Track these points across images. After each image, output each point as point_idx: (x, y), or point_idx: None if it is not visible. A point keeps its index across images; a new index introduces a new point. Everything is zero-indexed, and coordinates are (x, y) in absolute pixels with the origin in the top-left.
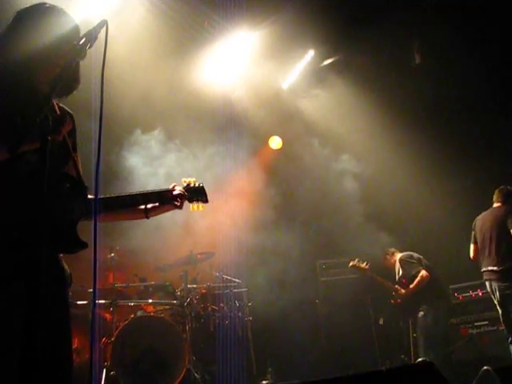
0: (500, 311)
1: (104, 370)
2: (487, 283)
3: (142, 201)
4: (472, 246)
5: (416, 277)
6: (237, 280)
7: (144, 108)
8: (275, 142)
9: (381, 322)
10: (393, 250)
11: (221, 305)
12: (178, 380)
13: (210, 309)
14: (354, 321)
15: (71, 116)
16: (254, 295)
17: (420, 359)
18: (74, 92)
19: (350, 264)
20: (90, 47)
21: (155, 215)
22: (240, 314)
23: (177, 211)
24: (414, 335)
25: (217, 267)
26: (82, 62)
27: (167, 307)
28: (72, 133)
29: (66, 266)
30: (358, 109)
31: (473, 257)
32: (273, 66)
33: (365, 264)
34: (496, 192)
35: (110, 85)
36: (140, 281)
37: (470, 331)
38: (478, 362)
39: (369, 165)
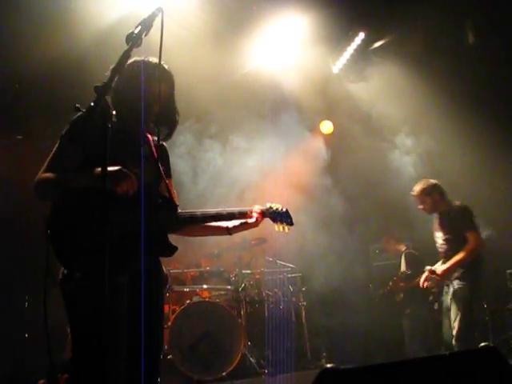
0: None
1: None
2: None
3: (226, 218)
4: None
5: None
6: (290, 265)
7: (194, 96)
8: (326, 127)
9: (435, 306)
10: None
11: (275, 290)
12: (234, 364)
13: (264, 294)
14: (408, 305)
15: (165, 147)
16: (308, 280)
17: (483, 344)
18: None
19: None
20: (146, 35)
21: (237, 232)
22: (294, 299)
23: None
24: None
25: (270, 253)
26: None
27: (222, 292)
28: (165, 161)
29: (163, 269)
30: (409, 91)
31: None
32: (322, 49)
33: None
34: None
35: None
36: (194, 267)
37: None
38: None
39: (423, 147)
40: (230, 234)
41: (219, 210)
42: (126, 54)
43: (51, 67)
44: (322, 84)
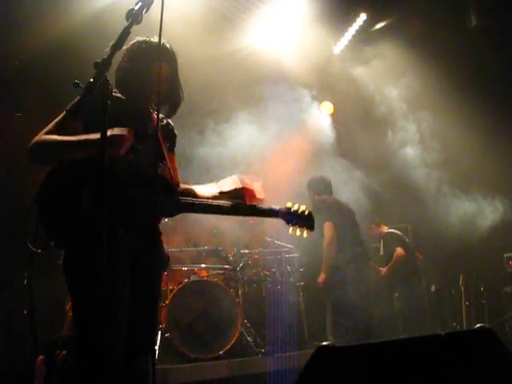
0: None
1: (159, 332)
2: None
3: (224, 212)
4: None
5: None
6: (288, 245)
7: (196, 80)
8: (326, 108)
9: (433, 289)
10: (379, 221)
11: (272, 270)
12: (231, 343)
13: (262, 274)
14: (405, 287)
15: (171, 125)
16: (306, 261)
17: (478, 325)
18: None
19: None
20: (146, 11)
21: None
22: (291, 279)
23: None
24: (467, 303)
25: (268, 233)
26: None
27: (220, 272)
28: (170, 137)
29: (165, 249)
30: (411, 73)
31: None
32: (324, 30)
33: None
34: None
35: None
36: (193, 246)
37: None
38: None
39: (424, 127)
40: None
41: (221, 202)
42: (126, 31)
43: (51, 44)
44: (322, 65)
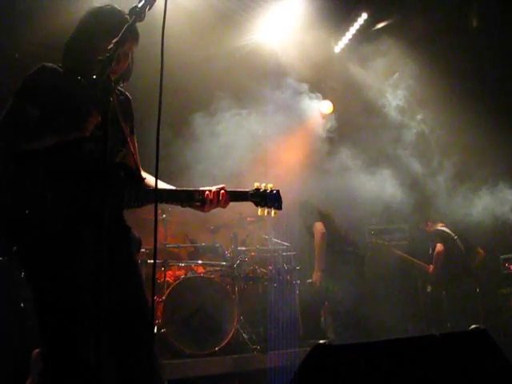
0: None
1: (155, 328)
2: None
3: (184, 199)
4: None
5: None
6: (286, 243)
7: (198, 76)
8: (326, 107)
9: (428, 289)
10: (436, 219)
11: (269, 267)
12: (227, 340)
13: (258, 271)
14: (401, 288)
15: (129, 99)
16: (302, 259)
17: (473, 326)
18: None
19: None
20: (149, 9)
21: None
22: (288, 277)
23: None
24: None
25: (266, 230)
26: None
27: (217, 268)
28: (129, 117)
29: (135, 234)
30: (411, 73)
31: None
32: (325, 29)
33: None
34: None
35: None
36: (190, 242)
37: None
38: None
39: (424, 128)
40: (183, 206)
41: (190, 189)
42: (129, 29)
43: (52, 37)
44: (322, 64)
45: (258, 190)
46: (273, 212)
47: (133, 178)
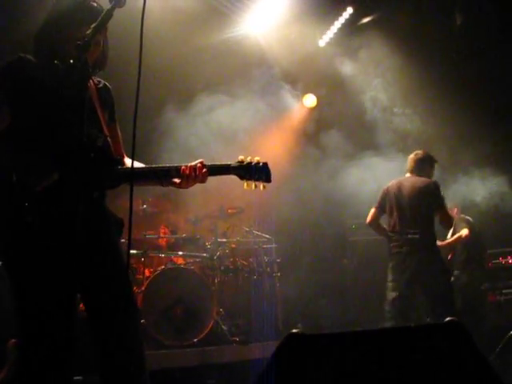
0: None
1: None
2: None
3: (162, 176)
4: None
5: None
6: (266, 236)
7: (181, 67)
8: (310, 100)
9: None
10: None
11: (250, 260)
12: (206, 331)
13: (239, 263)
14: (382, 282)
15: (107, 87)
16: (283, 251)
17: (448, 318)
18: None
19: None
20: None
21: (169, 186)
22: (268, 269)
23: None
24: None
25: (247, 222)
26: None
27: (197, 260)
28: (108, 105)
29: (116, 216)
30: (396, 68)
31: None
32: (310, 23)
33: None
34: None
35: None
36: (171, 233)
37: (498, 298)
38: (505, 328)
39: (409, 122)
40: (163, 185)
41: (166, 166)
42: (109, 14)
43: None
44: (307, 57)
45: (241, 162)
46: (261, 185)
47: (107, 159)
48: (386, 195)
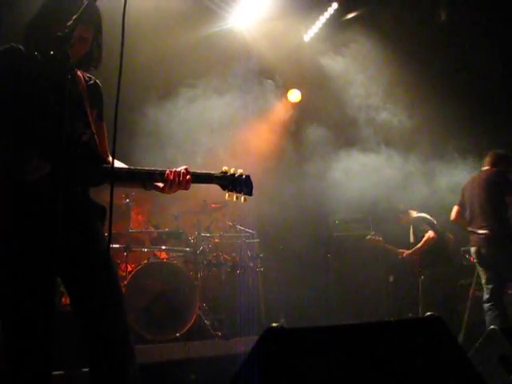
0: None
1: None
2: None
3: (145, 177)
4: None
5: (423, 237)
6: (250, 231)
7: (165, 62)
8: (294, 95)
9: (391, 279)
10: (405, 208)
11: (233, 254)
12: (188, 325)
13: (221, 258)
14: (364, 277)
15: (97, 85)
16: (266, 246)
17: (428, 313)
18: None
19: (367, 237)
20: None
21: (152, 189)
22: (251, 264)
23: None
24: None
25: (230, 217)
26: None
27: (180, 254)
28: (97, 102)
29: (99, 203)
30: (380, 64)
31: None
32: (295, 18)
33: (380, 238)
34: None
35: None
36: (154, 227)
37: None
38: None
39: (393, 119)
40: (146, 188)
41: (151, 169)
42: (90, 4)
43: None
44: (291, 52)
45: (225, 173)
46: (242, 198)
47: (92, 156)
48: (463, 191)
